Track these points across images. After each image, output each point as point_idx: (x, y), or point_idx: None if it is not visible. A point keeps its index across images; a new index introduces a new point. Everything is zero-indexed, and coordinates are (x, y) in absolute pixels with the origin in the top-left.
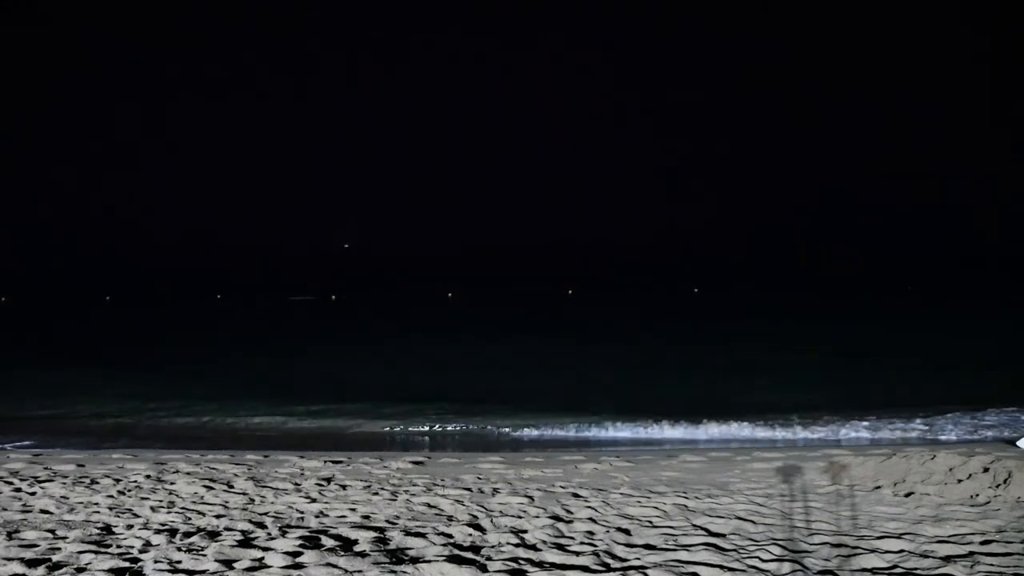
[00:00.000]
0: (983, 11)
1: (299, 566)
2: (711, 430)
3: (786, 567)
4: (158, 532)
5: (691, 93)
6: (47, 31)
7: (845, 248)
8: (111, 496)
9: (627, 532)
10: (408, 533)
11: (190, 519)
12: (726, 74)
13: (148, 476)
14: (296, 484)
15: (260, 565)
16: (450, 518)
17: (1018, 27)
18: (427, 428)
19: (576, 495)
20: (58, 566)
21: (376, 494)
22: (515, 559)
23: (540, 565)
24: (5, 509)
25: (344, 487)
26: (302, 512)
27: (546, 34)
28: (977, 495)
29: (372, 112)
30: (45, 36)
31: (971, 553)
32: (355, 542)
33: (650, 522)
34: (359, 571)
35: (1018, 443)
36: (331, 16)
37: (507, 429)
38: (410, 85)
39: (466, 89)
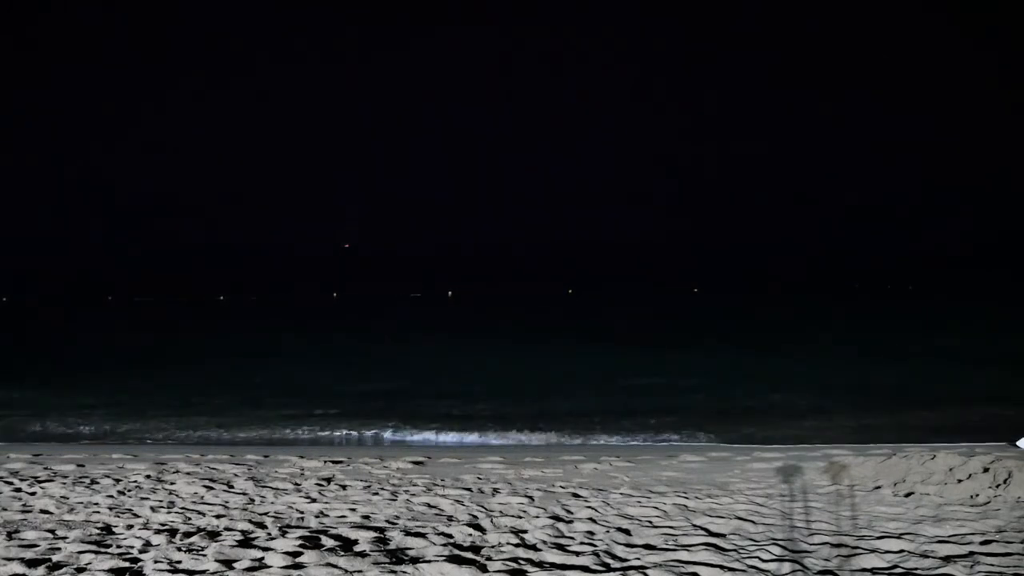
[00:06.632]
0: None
1: (299, 566)
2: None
3: (786, 567)
4: (158, 532)
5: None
6: (47, 18)
7: (843, 249)
8: (111, 496)
9: (627, 532)
10: (408, 533)
11: (190, 519)
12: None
13: (148, 476)
14: (296, 484)
15: (260, 565)
16: (450, 518)
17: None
18: (425, 428)
19: (576, 495)
20: (58, 566)
21: (376, 494)
22: (515, 559)
23: (540, 565)
24: (5, 509)
25: (344, 487)
26: (302, 512)
27: (541, 32)
28: (977, 495)
29: (375, 113)
30: (42, 26)
31: (971, 553)
32: (355, 542)
33: (650, 522)
34: (359, 571)
35: (1018, 443)
36: (332, 16)
37: (505, 431)
38: (410, 84)
39: (466, 88)
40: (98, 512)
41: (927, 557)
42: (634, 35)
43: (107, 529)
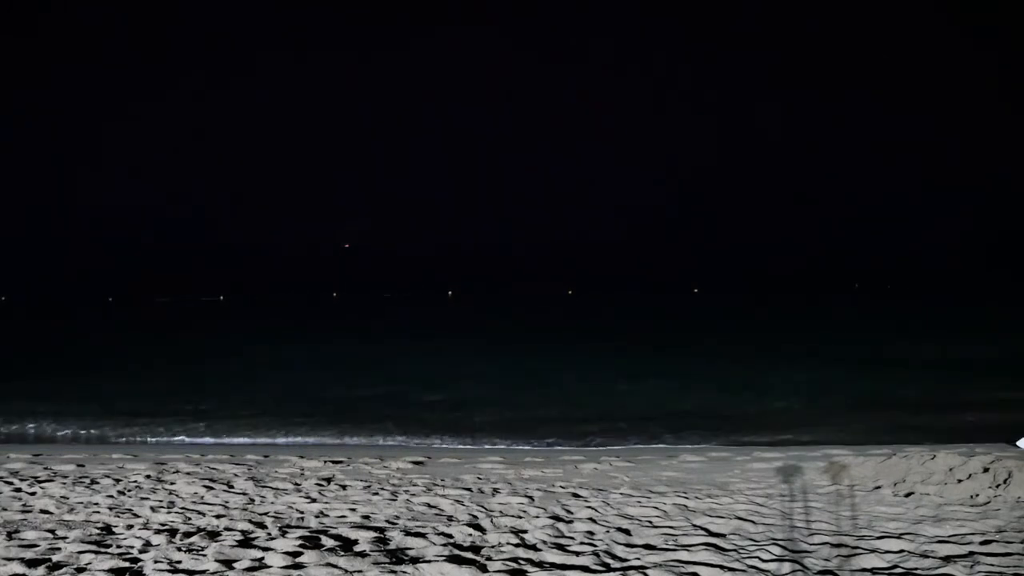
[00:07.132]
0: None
1: (299, 566)
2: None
3: (786, 567)
4: (158, 532)
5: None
6: (47, 18)
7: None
8: (111, 496)
9: (627, 532)
10: (408, 533)
11: (190, 519)
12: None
13: (148, 476)
14: (296, 484)
15: (260, 565)
16: (450, 518)
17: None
18: (425, 428)
19: (576, 495)
20: (58, 566)
21: (376, 494)
22: (515, 559)
23: (540, 565)
24: (5, 509)
25: (344, 487)
26: (302, 512)
27: (541, 32)
28: (977, 495)
29: (375, 113)
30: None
31: (971, 553)
32: (355, 542)
33: (650, 522)
34: (359, 571)
35: (1018, 443)
36: (332, 16)
37: (505, 432)
38: (410, 84)
39: (466, 88)
40: (98, 512)
41: (927, 557)
42: (634, 35)
43: (107, 529)
